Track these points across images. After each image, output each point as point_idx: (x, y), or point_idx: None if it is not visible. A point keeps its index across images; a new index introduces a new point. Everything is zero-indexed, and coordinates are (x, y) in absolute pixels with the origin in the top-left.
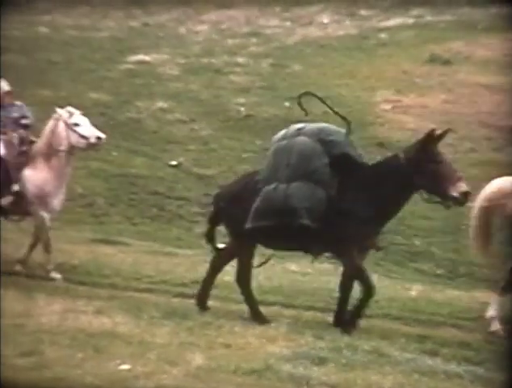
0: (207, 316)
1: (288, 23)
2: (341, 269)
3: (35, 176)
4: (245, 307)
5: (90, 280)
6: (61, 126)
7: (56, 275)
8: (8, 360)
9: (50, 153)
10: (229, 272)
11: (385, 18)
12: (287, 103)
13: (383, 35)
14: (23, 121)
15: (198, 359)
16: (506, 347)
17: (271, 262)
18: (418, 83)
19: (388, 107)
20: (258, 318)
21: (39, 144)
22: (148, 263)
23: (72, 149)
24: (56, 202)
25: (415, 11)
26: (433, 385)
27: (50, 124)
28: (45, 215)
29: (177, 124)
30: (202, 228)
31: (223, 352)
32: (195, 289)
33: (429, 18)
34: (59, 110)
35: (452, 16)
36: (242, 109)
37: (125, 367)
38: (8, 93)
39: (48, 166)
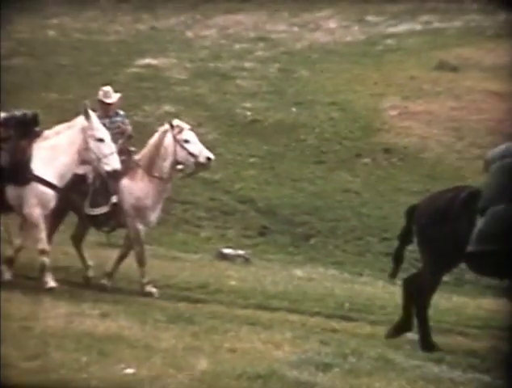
0: (213, 321)
1: (296, 29)
2: (346, 276)
3: (134, 187)
4: (250, 312)
5: (96, 284)
6: (169, 140)
7: (151, 289)
8: (14, 362)
9: (153, 166)
10: (234, 276)
11: (393, 24)
12: (294, 109)
13: (391, 42)
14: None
15: (203, 363)
16: None
17: (277, 267)
18: (426, 90)
19: (394, 113)
20: (426, 345)
21: (143, 155)
22: (153, 267)
23: (176, 164)
24: (154, 216)
25: (423, 18)
26: None
27: (157, 136)
28: (141, 228)
29: None
30: (207, 232)
31: (228, 356)
32: (200, 294)
33: (437, 24)
34: (174, 122)
35: (461, 23)
36: (249, 114)
37: (130, 371)
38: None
39: (149, 179)
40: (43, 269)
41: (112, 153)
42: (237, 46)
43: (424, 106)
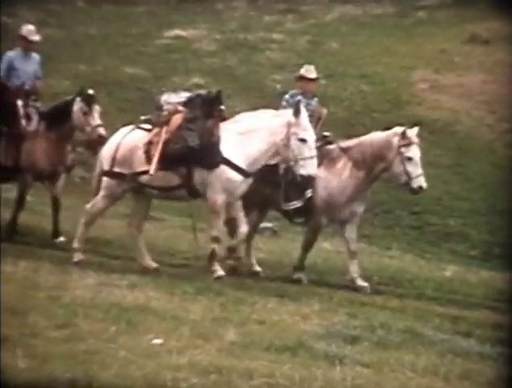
0: (241, 292)
1: (326, 0)
2: (374, 249)
3: (331, 181)
4: (278, 284)
5: (125, 255)
6: (393, 147)
7: (362, 283)
8: (42, 331)
9: (362, 161)
10: (262, 248)
11: None
12: (323, 81)
13: (422, 14)
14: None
15: (231, 334)
16: None
17: None
18: (457, 63)
19: (425, 86)
20: None
21: (354, 146)
22: (182, 239)
23: (385, 171)
24: (344, 214)
25: None
26: (466, 367)
27: (384, 135)
28: (323, 221)
29: None
30: None
31: (256, 328)
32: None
33: None
34: (408, 131)
35: None
36: (278, 86)
37: (158, 341)
38: (314, 80)
39: (352, 173)
40: (213, 257)
41: (312, 158)
42: (267, 18)
43: (455, 79)
